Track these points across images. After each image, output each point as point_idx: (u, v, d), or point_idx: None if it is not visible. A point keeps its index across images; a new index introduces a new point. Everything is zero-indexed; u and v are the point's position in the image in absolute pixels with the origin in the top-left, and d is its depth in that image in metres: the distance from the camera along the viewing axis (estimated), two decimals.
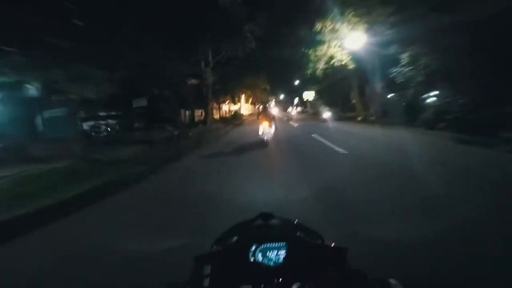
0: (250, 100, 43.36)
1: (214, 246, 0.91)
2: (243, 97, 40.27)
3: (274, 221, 0.91)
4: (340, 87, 29.37)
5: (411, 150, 7.85)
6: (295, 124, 22.45)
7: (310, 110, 41.72)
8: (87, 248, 3.01)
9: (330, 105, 34.91)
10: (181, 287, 0.74)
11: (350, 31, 15.61)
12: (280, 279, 0.69)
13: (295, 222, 0.94)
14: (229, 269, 0.75)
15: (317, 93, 45.72)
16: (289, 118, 36.72)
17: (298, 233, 0.86)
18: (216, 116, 34.72)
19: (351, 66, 18.96)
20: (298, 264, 0.75)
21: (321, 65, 20.02)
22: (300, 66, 36.78)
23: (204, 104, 21.88)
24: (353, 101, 25.77)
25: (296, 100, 75.36)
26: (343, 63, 18.62)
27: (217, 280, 0.71)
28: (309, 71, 22.24)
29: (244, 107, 39.91)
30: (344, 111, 30.49)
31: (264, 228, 0.88)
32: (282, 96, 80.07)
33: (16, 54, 5.99)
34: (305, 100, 48.69)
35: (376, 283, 0.65)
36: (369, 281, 0.66)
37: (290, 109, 79.31)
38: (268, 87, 39.84)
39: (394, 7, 11.89)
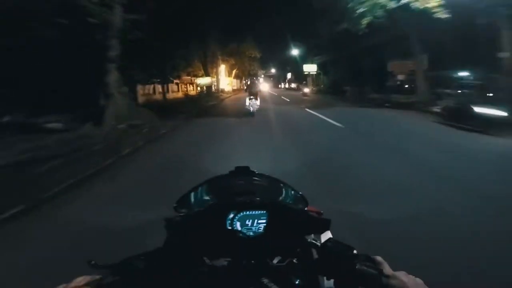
0: (234, 73, 32.87)
1: (181, 210, 0.72)
2: (222, 68, 29.70)
3: (253, 181, 0.81)
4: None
5: None
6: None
7: (307, 89, 32.59)
8: None
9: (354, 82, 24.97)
10: (150, 255, 0.60)
11: None
12: (261, 250, 0.64)
13: (273, 181, 0.82)
14: (203, 237, 0.66)
15: (321, 66, 35.86)
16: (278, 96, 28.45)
17: (280, 198, 0.77)
18: (177, 94, 24.31)
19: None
20: (279, 235, 0.69)
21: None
22: (302, 25, 26.55)
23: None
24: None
25: (289, 75, 65.51)
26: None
27: (193, 250, 0.63)
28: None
29: (225, 81, 29.58)
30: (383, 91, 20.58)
31: (243, 192, 0.74)
32: (273, 70, 69.48)
33: None
34: (306, 73, 38.37)
35: (361, 258, 0.59)
36: (353, 255, 0.59)
37: (282, 85, 70.46)
38: (258, 55, 29.42)
39: None
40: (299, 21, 27.90)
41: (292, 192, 0.81)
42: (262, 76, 75.72)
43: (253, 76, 35.76)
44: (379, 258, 0.60)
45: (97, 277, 0.55)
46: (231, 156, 5.53)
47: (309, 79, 39.89)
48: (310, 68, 37.54)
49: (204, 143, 7.03)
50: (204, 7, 17.20)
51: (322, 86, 35.53)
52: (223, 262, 0.68)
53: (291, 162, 5.01)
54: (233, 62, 29.74)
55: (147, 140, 7.34)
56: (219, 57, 28.35)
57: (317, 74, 39.17)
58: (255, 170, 0.84)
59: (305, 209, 0.77)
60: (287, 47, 38.47)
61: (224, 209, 0.69)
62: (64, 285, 0.52)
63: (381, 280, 0.55)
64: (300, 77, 47.25)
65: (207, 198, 0.77)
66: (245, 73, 39.77)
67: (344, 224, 2.49)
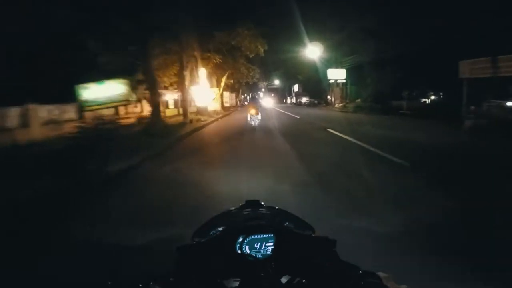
0: (222, 82, 20.89)
1: (195, 239, 0.80)
2: (202, 73, 17.59)
3: (261, 210, 0.87)
4: None
5: None
6: None
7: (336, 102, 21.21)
8: None
9: None
10: (165, 279, 0.65)
11: None
12: (269, 271, 0.68)
13: (280, 211, 0.89)
14: (215, 261, 0.71)
15: (353, 72, 24.41)
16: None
17: (286, 224, 0.81)
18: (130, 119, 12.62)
19: None
20: (287, 256, 0.74)
21: None
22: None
23: None
24: None
25: (295, 88, 54.39)
26: None
27: (203, 273, 0.68)
28: None
29: (206, 93, 17.63)
30: None
31: (251, 218, 0.81)
32: (276, 82, 58.29)
33: None
34: (331, 81, 26.53)
35: (367, 276, 0.62)
36: (359, 274, 0.63)
37: (288, 100, 59.11)
38: (261, 49, 17.59)
39: None
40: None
41: (299, 221, 0.85)
42: (263, 90, 64.53)
43: (254, 91, 27.57)
44: (384, 274, 0.62)
45: None
46: None
47: (335, 90, 28.00)
48: (336, 75, 25.86)
49: None
50: None
51: (358, 100, 23.54)
52: (234, 283, 0.69)
53: None
54: (220, 60, 17.73)
55: None
56: (195, 54, 16.45)
57: (345, 85, 27.53)
58: (263, 203, 0.90)
59: (312, 234, 0.81)
60: (297, 47, 27.02)
61: (233, 233, 0.74)
62: None
63: None
64: (316, 89, 35.67)
65: (218, 227, 0.81)
66: (240, 83, 27.79)
67: None
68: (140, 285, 0.59)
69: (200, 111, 17.66)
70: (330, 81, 26.94)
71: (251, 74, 22.62)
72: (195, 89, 17.51)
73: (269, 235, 0.73)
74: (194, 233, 0.81)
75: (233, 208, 0.90)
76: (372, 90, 22.27)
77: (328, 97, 29.93)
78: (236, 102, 40.09)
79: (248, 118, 12.85)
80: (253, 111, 12.65)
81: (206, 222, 0.85)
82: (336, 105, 26.59)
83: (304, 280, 0.67)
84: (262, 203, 0.90)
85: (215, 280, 0.67)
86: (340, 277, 0.62)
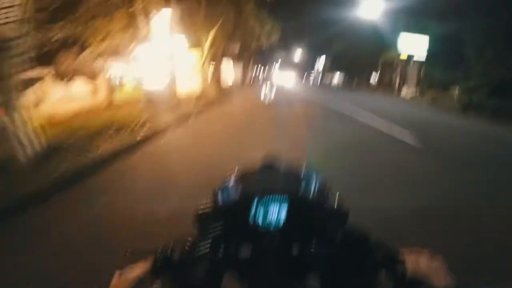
0: (205, 43, 10.86)
1: (209, 202, 0.77)
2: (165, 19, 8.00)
3: (276, 175, 0.84)
4: None
5: None
6: None
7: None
8: None
9: None
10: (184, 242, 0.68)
11: None
12: (282, 240, 0.67)
13: (295, 175, 0.85)
14: (229, 230, 0.71)
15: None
16: None
17: (301, 186, 0.79)
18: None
19: None
20: (300, 225, 0.71)
21: None
22: None
23: None
24: None
25: (322, 61, 43.34)
26: None
27: (218, 241, 0.68)
28: None
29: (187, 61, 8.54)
30: None
31: (265, 183, 0.80)
32: (299, 52, 47.02)
33: None
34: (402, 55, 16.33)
35: (380, 247, 0.63)
36: (373, 245, 0.64)
37: (312, 77, 48.37)
38: None
39: None
40: None
41: (314, 185, 0.82)
42: (279, 61, 53.40)
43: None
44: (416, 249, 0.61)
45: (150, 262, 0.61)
46: None
47: (410, 69, 17.74)
48: (412, 44, 15.77)
49: None
50: None
51: (454, 89, 13.50)
52: (245, 252, 0.68)
53: None
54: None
55: None
56: None
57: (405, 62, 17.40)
58: (281, 161, 0.87)
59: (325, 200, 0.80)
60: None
61: (247, 202, 0.73)
62: (119, 271, 0.61)
63: (397, 264, 0.58)
64: (356, 64, 25.61)
65: (234, 191, 0.80)
66: (250, 47, 17.71)
67: None
68: (161, 247, 0.63)
69: (152, 101, 8.35)
70: (401, 55, 16.70)
71: (264, 34, 12.83)
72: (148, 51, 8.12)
73: (283, 204, 0.72)
74: (212, 197, 0.79)
75: (251, 170, 0.86)
76: (484, 75, 12.27)
77: (395, 80, 19.44)
78: (244, 77, 30.09)
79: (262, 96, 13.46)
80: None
81: (223, 184, 0.82)
82: (404, 93, 16.96)
83: (313, 251, 0.67)
84: (280, 163, 0.87)
85: (228, 248, 0.67)
86: (351, 247, 0.64)
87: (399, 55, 16.91)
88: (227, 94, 16.01)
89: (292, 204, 0.71)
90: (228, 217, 0.73)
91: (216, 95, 13.55)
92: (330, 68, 38.51)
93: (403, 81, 17.32)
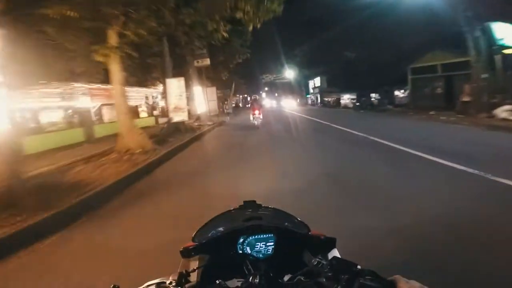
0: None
1: (196, 239, 0.82)
2: None
3: (260, 211, 0.89)
4: None
5: None
6: None
7: None
8: None
9: None
10: (166, 285, 0.64)
11: None
12: (270, 271, 0.68)
13: (278, 211, 0.92)
14: (217, 262, 0.73)
15: None
16: None
17: (285, 223, 0.84)
18: None
19: None
20: (288, 255, 0.76)
21: None
22: None
23: None
24: None
25: (315, 83, 38.70)
26: None
27: (206, 274, 0.69)
28: None
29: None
30: None
31: (251, 219, 0.83)
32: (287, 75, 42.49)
33: None
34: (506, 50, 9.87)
35: (364, 273, 0.61)
36: (358, 271, 0.61)
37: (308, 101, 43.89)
38: None
39: None
40: None
41: (295, 220, 0.87)
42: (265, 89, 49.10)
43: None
44: (394, 276, 0.59)
45: None
46: None
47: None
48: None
49: None
50: None
51: None
52: (236, 283, 0.69)
53: None
54: None
55: None
56: None
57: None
58: (261, 203, 0.91)
59: (309, 232, 0.84)
60: None
61: (234, 234, 0.75)
62: None
63: None
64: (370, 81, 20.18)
65: (220, 228, 0.82)
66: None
67: None
68: None
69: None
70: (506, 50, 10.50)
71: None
72: None
73: (270, 235, 0.76)
74: (194, 235, 0.81)
75: (232, 209, 0.90)
76: None
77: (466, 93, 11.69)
78: (222, 109, 25.25)
79: (251, 119, 13.52)
80: (256, 111, 13.12)
81: (206, 223, 0.84)
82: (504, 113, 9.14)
83: (303, 278, 0.67)
84: (260, 204, 0.91)
85: (217, 281, 0.66)
86: (339, 274, 0.62)
87: (478, 54, 10.53)
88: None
89: (279, 235, 0.76)
90: (216, 251, 0.75)
91: None
92: (326, 88, 33.44)
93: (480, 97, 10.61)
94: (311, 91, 42.06)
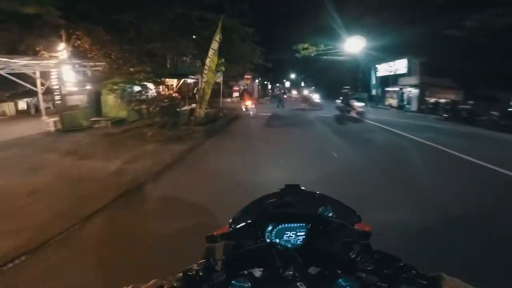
0: None
1: (231, 226, 0.81)
2: None
3: (296, 197, 0.85)
4: None
5: None
6: None
7: None
8: None
9: None
10: (193, 272, 0.63)
11: None
12: (296, 262, 0.64)
13: (321, 197, 0.85)
14: (242, 251, 0.69)
15: None
16: None
17: (322, 211, 0.79)
18: None
19: None
20: (318, 248, 0.72)
21: None
22: None
23: None
24: None
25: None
26: None
27: (229, 263, 0.66)
28: None
29: None
30: None
31: (283, 205, 0.81)
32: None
33: None
34: None
35: (410, 269, 0.58)
36: (402, 267, 0.58)
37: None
38: None
39: None
40: None
41: (342, 207, 0.80)
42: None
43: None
44: (446, 276, 0.55)
45: (168, 281, 0.59)
46: None
47: None
48: None
49: None
50: None
51: None
52: (257, 272, 0.68)
53: None
54: None
55: None
56: None
57: None
58: (304, 188, 0.86)
59: (358, 222, 0.79)
60: None
61: (262, 222, 0.72)
62: (133, 285, 0.56)
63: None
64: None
65: (252, 215, 0.78)
66: None
67: None
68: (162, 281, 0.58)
69: None
70: None
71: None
72: None
73: (301, 224, 0.72)
74: (231, 220, 0.79)
75: (271, 193, 0.86)
76: None
77: None
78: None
79: (243, 109, 14.43)
80: (249, 102, 13.66)
81: (242, 209, 0.82)
82: None
83: (334, 272, 0.64)
84: (302, 188, 0.86)
85: (241, 270, 0.65)
86: (378, 269, 0.58)
87: None
88: None
89: (311, 224, 0.72)
90: (243, 239, 0.70)
91: None
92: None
93: None
94: (373, 82, 26.30)
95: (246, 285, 0.63)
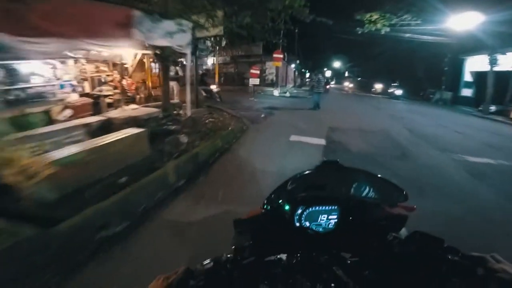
0: None
1: (264, 207, 0.76)
2: None
3: (331, 176, 0.77)
4: None
5: None
6: None
7: None
8: None
9: None
10: (221, 260, 0.63)
11: None
12: (328, 246, 0.64)
13: (361, 174, 0.77)
14: (269, 235, 0.67)
15: None
16: None
17: (355, 189, 0.73)
18: None
19: None
20: (351, 232, 0.68)
21: None
22: None
23: None
24: None
25: None
26: None
27: (257, 249, 0.64)
28: None
29: None
30: None
31: (314, 187, 0.75)
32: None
33: None
34: None
35: (454, 251, 0.55)
36: (446, 248, 0.55)
37: None
38: None
39: None
40: None
41: (388, 185, 0.74)
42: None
43: None
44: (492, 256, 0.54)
45: (198, 268, 0.60)
46: None
47: None
48: None
49: None
50: None
51: None
52: (286, 258, 0.66)
53: None
54: None
55: None
56: None
57: None
58: (343, 164, 0.76)
59: (395, 204, 0.73)
60: None
61: (291, 205, 0.68)
62: (160, 276, 0.59)
63: (476, 270, 0.51)
64: None
65: (282, 197, 0.74)
66: None
67: None
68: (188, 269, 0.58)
69: None
70: None
71: None
72: None
73: (333, 207, 0.68)
74: (266, 200, 0.75)
75: (305, 171, 0.78)
76: None
77: None
78: None
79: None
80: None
81: (274, 190, 0.76)
82: None
83: (369, 255, 0.61)
84: (342, 165, 0.77)
85: (269, 255, 0.63)
86: (420, 251, 0.55)
87: None
88: None
89: (343, 207, 0.68)
90: (272, 223, 0.69)
91: None
92: None
93: None
94: (466, 78, 17.99)
95: (276, 271, 0.61)
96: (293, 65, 30.53)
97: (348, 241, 0.67)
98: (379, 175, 0.75)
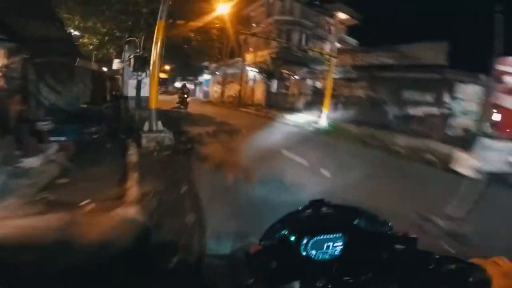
0: None
1: (262, 242, 0.79)
2: None
3: (327, 209, 0.81)
4: None
5: None
6: None
7: None
8: None
9: None
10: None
11: None
12: (331, 271, 0.68)
13: (351, 208, 0.83)
14: (279, 266, 0.70)
15: None
16: None
17: (356, 221, 0.78)
18: None
19: None
20: (358, 256, 0.73)
21: None
22: None
23: None
24: None
25: None
26: None
27: (267, 278, 0.67)
28: None
29: None
30: None
31: (315, 218, 0.78)
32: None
33: None
34: None
35: (450, 260, 0.58)
36: (441, 258, 0.60)
37: None
38: None
39: None
40: None
41: (373, 217, 0.80)
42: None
43: None
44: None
45: None
46: None
47: None
48: None
49: None
50: None
51: None
52: (296, 286, 0.69)
53: None
54: None
55: None
56: None
57: None
58: (330, 201, 0.83)
59: (389, 232, 0.77)
60: None
61: (297, 234, 0.72)
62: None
63: (469, 277, 0.55)
64: None
65: (284, 230, 0.78)
66: None
67: None
68: None
69: None
70: None
71: None
72: None
73: (337, 235, 0.71)
74: (262, 236, 0.79)
75: (299, 208, 0.82)
76: None
77: None
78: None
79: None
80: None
81: (272, 225, 0.81)
82: None
83: (373, 277, 0.64)
84: (329, 202, 0.83)
85: (280, 285, 0.65)
86: (418, 264, 0.59)
87: None
88: None
89: (348, 234, 0.71)
90: (279, 253, 0.70)
91: None
92: None
93: None
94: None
95: None
96: None
97: (355, 266, 0.69)
98: (369, 210, 0.81)
